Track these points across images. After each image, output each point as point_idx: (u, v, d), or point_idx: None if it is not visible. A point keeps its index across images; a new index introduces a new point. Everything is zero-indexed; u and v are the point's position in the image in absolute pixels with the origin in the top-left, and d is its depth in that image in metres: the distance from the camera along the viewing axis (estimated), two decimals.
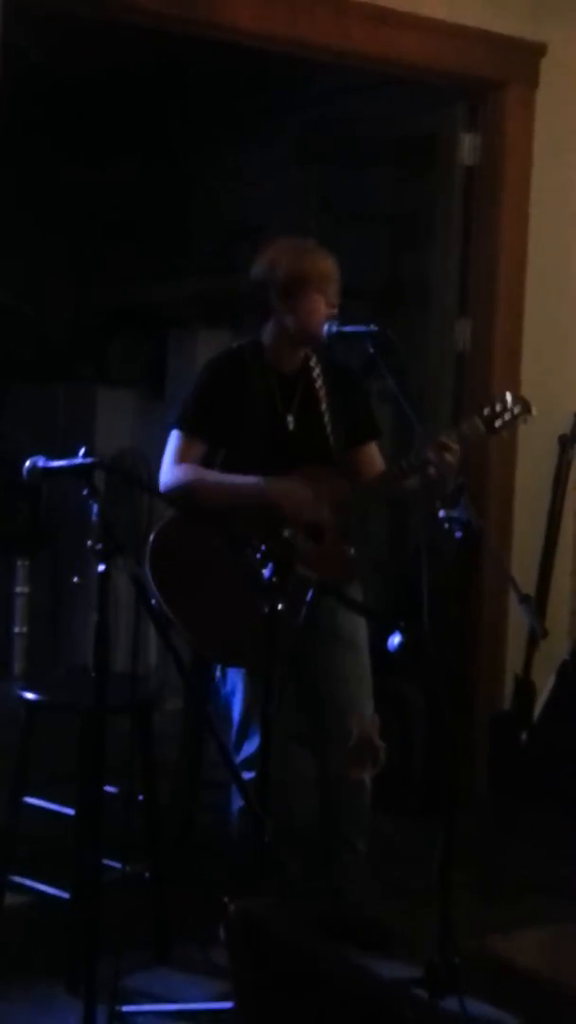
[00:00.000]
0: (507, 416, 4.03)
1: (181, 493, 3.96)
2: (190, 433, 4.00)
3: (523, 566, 5.04)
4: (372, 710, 4.08)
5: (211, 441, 4.01)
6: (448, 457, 3.88)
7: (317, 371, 4.08)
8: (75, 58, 6.13)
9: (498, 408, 4.03)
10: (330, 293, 3.98)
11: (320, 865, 4.07)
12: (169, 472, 3.99)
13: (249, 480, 3.94)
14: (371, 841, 4.12)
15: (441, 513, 3.56)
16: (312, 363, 4.09)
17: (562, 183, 5.36)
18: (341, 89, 5.75)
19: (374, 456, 4.18)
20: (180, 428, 4.01)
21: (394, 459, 4.13)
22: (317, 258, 4.01)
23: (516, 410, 4.05)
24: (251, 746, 3.90)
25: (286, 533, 3.87)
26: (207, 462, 4.02)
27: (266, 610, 3.40)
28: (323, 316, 3.95)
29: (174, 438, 4.01)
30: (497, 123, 5.28)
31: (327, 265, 4.01)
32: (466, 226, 5.39)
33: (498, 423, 4.02)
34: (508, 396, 4.07)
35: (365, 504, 4.18)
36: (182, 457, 3.98)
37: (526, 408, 4.07)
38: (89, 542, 3.21)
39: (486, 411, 4.03)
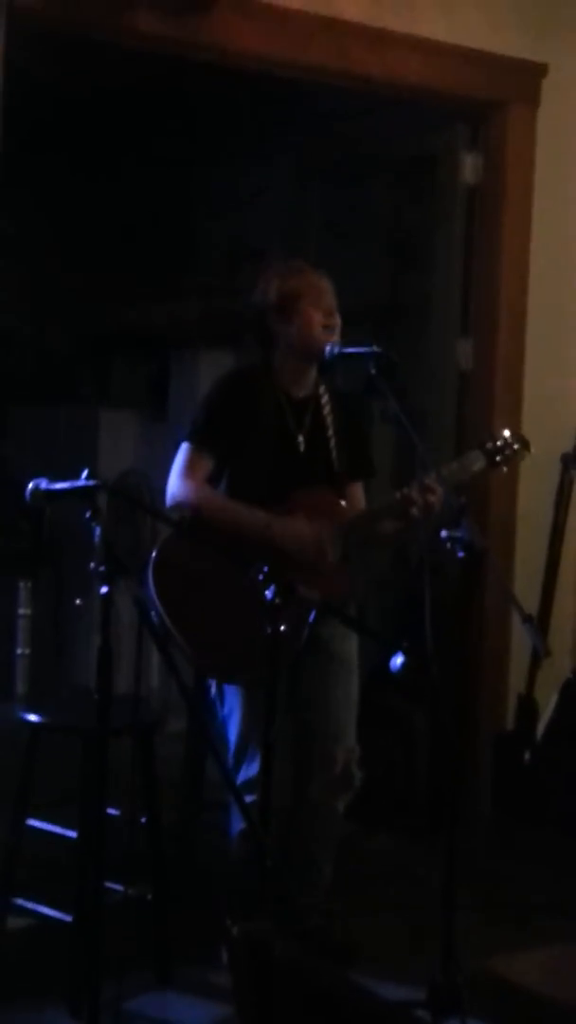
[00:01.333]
0: (507, 452, 4.06)
1: (187, 511, 3.97)
2: (200, 447, 4.00)
3: (526, 585, 5.04)
4: (354, 738, 4.08)
5: (220, 456, 4.01)
6: (431, 499, 3.89)
7: (325, 398, 4.10)
8: (77, 78, 6.14)
9: (499, 444, 4.05)
10: (324, 304, 3.99)
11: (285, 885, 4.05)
12: (177, 486, 3.99)
13: (257, 516, 3.93)
14: (372, 860, 4.11)
15: (444, 533, 3.56)
16: (321, 391, 4.11)
17: (564, 202, 5.37)
18: (342, 110, 5.76)
19: (358, 497, 4.19)
20: (190, 441, 4.01)
21: (393, 480, 4.14)
22: (304, 274, 4.05)
23: (516, 447, 4.08)
24: (250, 769, 3.89)
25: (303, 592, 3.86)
26: (215, 476, 4.03)
27: (268, 631, 3.39)
28: (320, 326, 3.97)
29: (184, 451, 4.01)
30: (498, 143, 5.30)
31: (315, 279, 4.04)
32: (467, 245, 5.40)
33: (498, 458, 4.06)
34: (507, 433, 4.10)
35: (367, 530, 4.18)
36: (191, 471, 3.98)
37: (525, 446, 4.10)
38: (92, 564, 3.20)
39: (488, 446, 4.05)
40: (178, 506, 3.98)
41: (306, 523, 3.95)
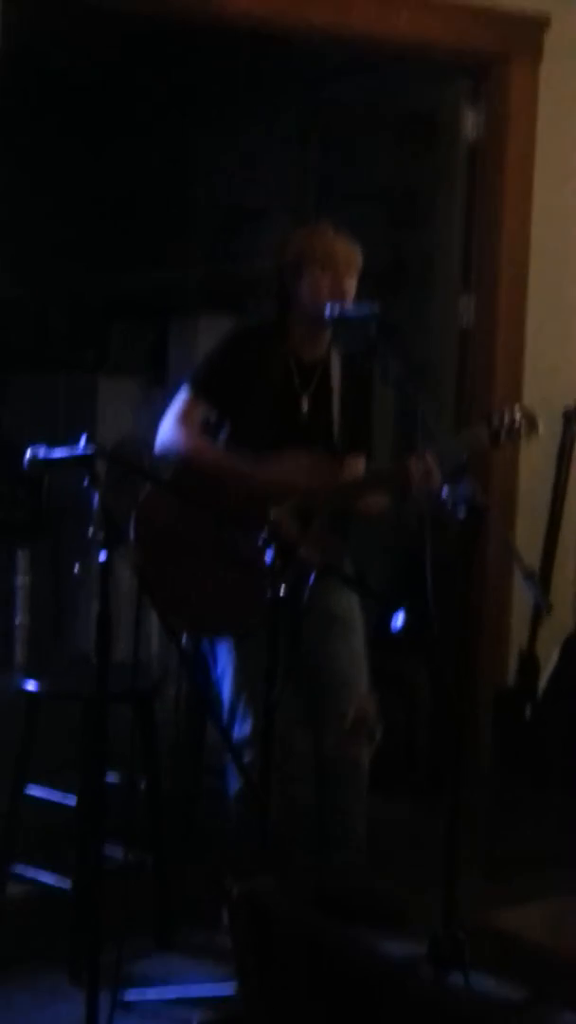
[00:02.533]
0: (512, 431, 4.02)
1: (175, 459, 3.92)
2: (198, 394, 3.98)
3: (528, 542, 5.00)
4: (368, 687, 4.05)
5: (217, 408, 3.97)
6: (431, 480, 3.85)
7: (336, 364, 4.08)
8: (75, 41, 6.09)
9: (506, 421, 4.01)
10: (337, 270, 3.95)
11: (318, 846, 4.04)
12: (170, 431, 3.96)
13: (244, 471, 3.90)
14: (374, 819, 4.09)
15: (445, 491, 3.53)
16: (332, 356, 4.08)
17: (566, 157, 5.31)
18: (341, 69, 5.71)
19: (358, 468, 4.16)
20: (190, 386, 3.99)
21: (394, 445, 4.12)
22: (325, 238, 4.02)
23: (522, 425, 4.02)
24: (244, 728, 3.87)
25: (272, 515, 3.82)
26: (212, 431, 3.98)
27: (270, 595, 3.36)
28: (326, 292, 3.91)
29: (181, 394, 4.00)
30: (500, 98, 5.23)
31: (334, 243, 4.00)
32: (469, 202, 5.35)
33: (503, 437, 4.01)
34: (517, 410, 4.05)
35: (345, 502, 4.13)
36: (186, 417, 3.96)
37: (532, 426, 4.05)
38: (90, 531, 3.19)
39: (494, 423, 4.01)
40: (167, 452, 3.95)
41: (297, 464, 3.89)
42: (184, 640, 3.96)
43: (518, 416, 4.02)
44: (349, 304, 3.94)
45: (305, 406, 4.03)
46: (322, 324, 3.99)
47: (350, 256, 4.00)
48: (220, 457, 3.96)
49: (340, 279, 3.96)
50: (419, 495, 3.84)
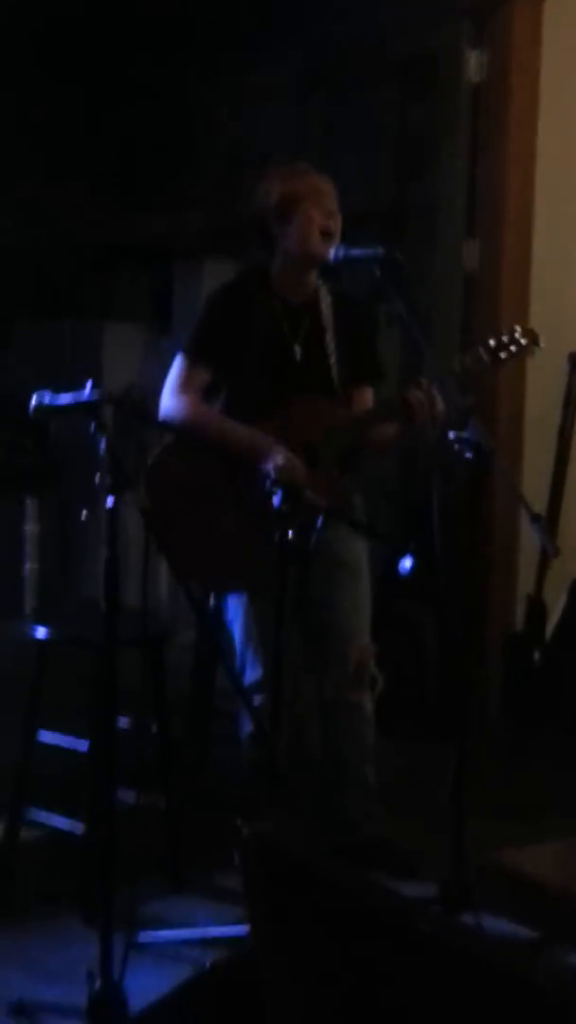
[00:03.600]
0: (513, 348, 3.99)
1: (179, 427, 3.94)
2: (195, 360, 3.98)
3: (534, 486, 5.00)
4: (369, 638, 4.07)
5: (216, 369, 3.98)
6: (436, 409, 3.85)
7: (327, 302, 4.06)
8: None
9: (504, 340, 3.99)
10: (324, 204, 3.95)
11: (327, 792, 4.06)
12: (171, 399, 3.97)
13: (244, 443, 3.89)
14: (382, 764, 4.11)
15: (451, 434, 3.53)
16: (321, 294, 4.04)
17: (570, 99, 5.28)
18: (343, 10, 5.66)
19: (367, 400, 4.16)
20: (185, 354, 3.99)
21: (399, 385, 4.10)
22: (306, 175, 4.01)
23: (523, 342, 4.00)
24: (255, 672, 3.90)
25: (281, 460, 3.81)
26: (212, 389, 3.99)
27: (278, 538, 3.37)
28: (319, 228, 3.91)
29: (178, 364, 3.99)
30: (503, 38, 5.21)
31: (316, 180, 3.99)
32: (473, 145, 5.32)
33: (503, 355, 3.99)
34: (517, 329, 4.03)
35: (361, 432, 4.13)
36: (185, 384, 3.96)
37: (533, 340, 4.02)
38: (97, 477, 3.18)
39: (492, 342, 3.99)
40: (169, 422, 3.95)
41: (293, 456, 3.89)
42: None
43: (517, 332, 4.00)
44: (347, 248, 3.91)
45: (298, 352, 4.01)
46: (313, 263, 3.97)
47: (334, 198, 3.99)
48: (220, 426, 3.95)
49: (330, 217, 3.95)
50: (424, 424, 3.82)
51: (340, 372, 4.05)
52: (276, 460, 3.81)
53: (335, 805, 4.06)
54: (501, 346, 3.99)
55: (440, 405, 3.84)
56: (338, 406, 4.04)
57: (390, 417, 4.00)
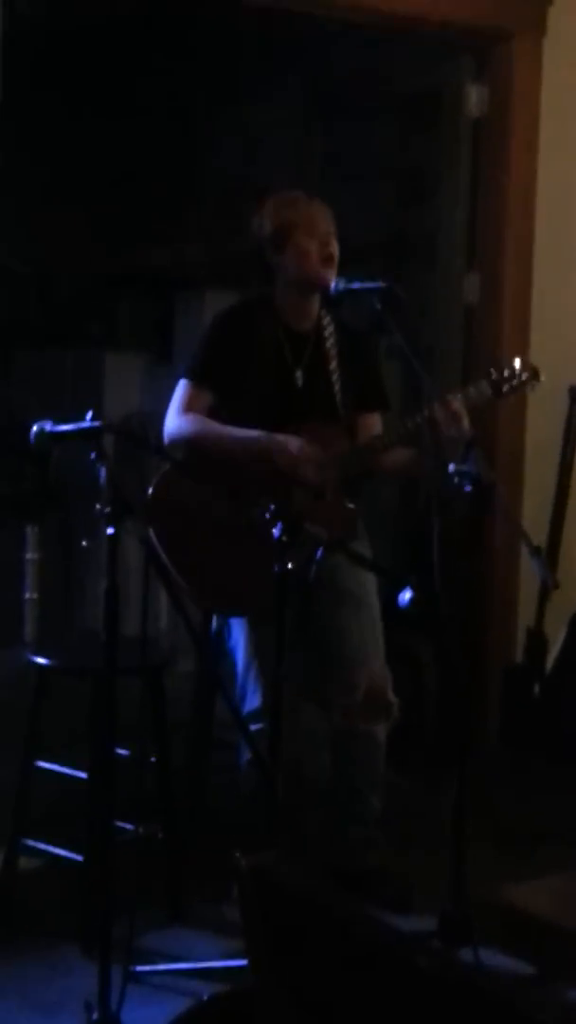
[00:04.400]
0: (514, 382, 4.01)
1: (185, 443, 3.95)
2: (198, 382, 3.99)
3: (534, 518, 5.02)
4: (382, 663, 4.06)
5: (218, 392, 3.99)
6: (460, 424, 3.83)
7: (329, 331, 4.07)
8: (78, 14, 6.08)
9: (506, 374, 4.00)
10: (318, 232, 3.96)
11: (333, 821, 4.06)
12: (174, 421, 3.98)
13: (251, 435, 3.92)
14: (384, 795, 4.11)
15: (451, 467, 3.54)
16: (325, 323, 4.07)
17: (570, 133, 5.31)
18: (346, 44, 5.70)
19: (375, 426, 4.16)
20: (188, 377, 4.01)
21: (401, 416, 4.10)
22: (299, 204, 4.02)
23: (524, 376, 4.02)
24: (254, 700, 3.90)
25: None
26: (214, 414, 4.00)
27: (277, 569, 3.37)
28: (316, 257, 3.93)
29: (181, 387, 4.00)
30: (504, 74, 5.24)
31: (311, 209, 4.00)
32: (474, 179, 5.35)
33: (505, 388, 4.00)
34: (517, 362, 4.05)
35: (369, 459, 4.15)
36: (188, 407, 3.97)
37: (534, 375, 4.04)
38: (98, 506, 3.19)
39: (494, 376, 4.00)
40: (174, 442, 3.97)
41: (302, 440, 3.91)
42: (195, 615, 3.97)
43: (518, 366, 4.01)
44: (347, 281, 3.93)
45: (300, 379, 4.02)
46: (316, 293, 3.99)
47: (329, 221, 4.00)
48: (222, 430, 3.96)
49: (326, 243, 3.96)
50: (450, 438, 3.80)
51: (344, 399, 4.06)
52: (291, 448, 3.82)
53: (338, 831, 4.05)
54: (502, 380, 4.00)
55: (465, 420, 3.83)
56: (342, 433, 4.05)
57: (415, 435, 3.97)
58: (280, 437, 3.91)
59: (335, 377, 4.06)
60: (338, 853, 4.03)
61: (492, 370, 4.03)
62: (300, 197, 4.06)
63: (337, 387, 4.06)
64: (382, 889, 3.95)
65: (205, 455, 3.94)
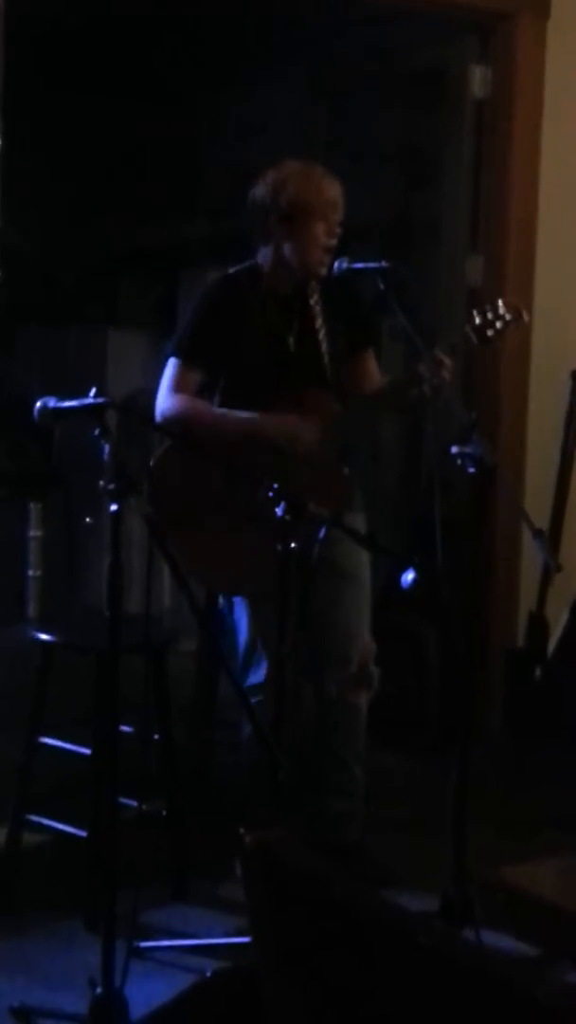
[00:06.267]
0: (499, 324, 3.98)
1: (176, 425, 3.93)
2: (187, 361, 3.96)
3: (536, 501, 5.02)
4: (369, 636, 4.08)
5: (209, 368, 3.97)
6: (444, 373, 3.85)
7: (312, 285, 4.02)
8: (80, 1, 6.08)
9: (489, 316, 3.97)
10: (332, 221, 3.93)
11: (314, 789, 4.05)
12: (165, 401, 3.95)
13: (246, 418, 3.90)
14: (385, 776, 4.13)
15: (454, 449, 3.55)
16: (309, 285, 4.02)
17: (574, 115, 5.30)
18: (349, 25, 5.69)
19: (370, 370, 4.14)
20: (177, 356, 3.98)
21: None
22: (323, 185, 3.95)
23: (508, 317, 3.99)
24: (257, 675, 3.92)
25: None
26: (208, 388, 3.99)
27: (280, 549, 3.38)
28: (322, 246, 3.91)
29: (171, 366, 3.97)
30: (508, 55, 5.23)
31: (333, 192, 3.94)
32: (477, 161, 5.34)
33: (490, 332, 3.98)
34: (500, 303, 4.02)
35: (365, 420, 4.14)
36: (179, 386, 3.94)
37: (518, 314, 4.01)
38: (101, 482, 3.19)
39: (477, 320, 3.97)
40: (166, 422, 3.94)
41: (297, 417, 3.91)
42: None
43: (501, 307, 3.99)
44: (351, 261, 3.92)
45: (292, 344, 3.99)
46: (308, 276, 3.96)
47: (340, 199, 3.95)
48: (216, 413, 3.95)
49: (334, 227, 3.94)
50: (435, 387, 3.80)
51: (333, 358, 4.02)
52: (286, 429, 3.83)
53: (321, 803, 4.04)
54: (487, 323, 3.97)
55: (452, 371, 3.82)
56: (331, 398, 4.01)
57: (404, 391, 3.97)
58: (278, 421, 3.90)
59: (322, 335, 4.01)
60: (319, 824, 4.01)
61: (474, 312, 3.99)
62: (322, 175, 3.96)
63: (325, 346, 4.01)
64: (359, 866, 3.95)
65: (199, 436, 3.93)
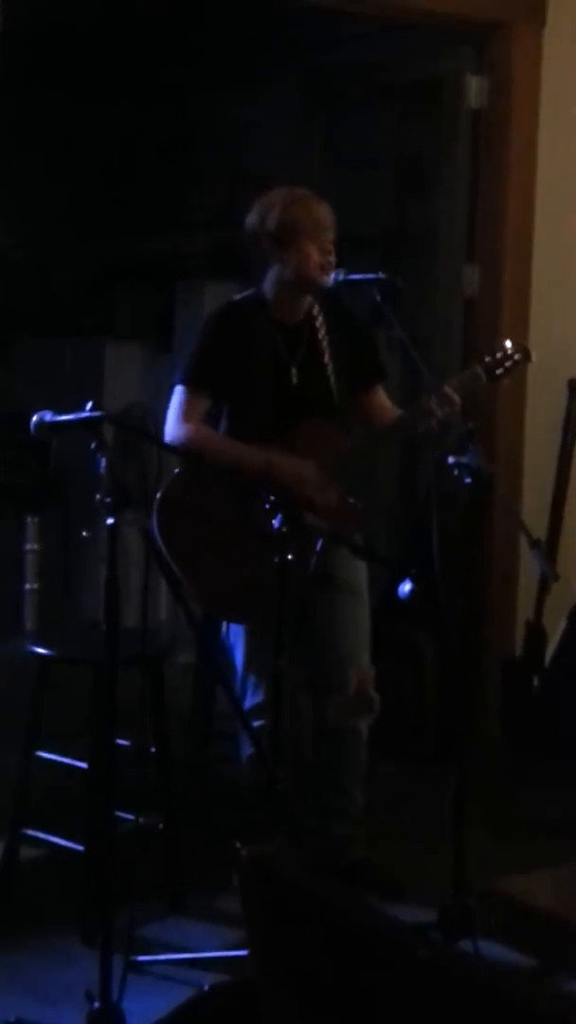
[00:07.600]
0: (507, 364, 4.03)
1: (188, 455, 3.94)
2: (194, 389, 3.97)
3: (534, 511, 5.01)
4: (368, 661, 4.08)
5: (215, 395, 3.99)
6: (450, 410, 3.86)
7: (320, 320, 4.05)
8: (76, 5, 6.08)
9: (498, 356, 4.02)
10: (323, 240, 3.93)
11: (314, 813, 4.05)
12: (174, 430, 3.95)
13: (257, 456, 3.88)
14: (382, 786, 4.12)
15: (451, 460, 3.55)
16: (316, 312, 4.05)
17: (570, 124, 5.30)
18: (346, 35, 5.69)
19: (382, 401, 4.16)
20: (185, 384, 3.98)
21: (403, 405, 4.11)
22: (308, 205, 3.96)
23: (516, 357, 4.04)
24: (256, 696, 3.91)
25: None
26: (214, 414, 4.00)
27: (276, 560, 3.38)
28: (317, 262, 3.91)
29: (178, 394, 3.97)
30: (504, 65, 5.23)
31: (318, 212, 3.96)
32: (473, 170, 5.34)
33: (499, 371, 4.03)
34: (508, 344, 4.07)
35: (371, 454, 4.15)
36: (187, 414, 3.95)
37: (525, 355, 4.07)
38: (98, 496, 3.19)
39: (487, 360, 4.02)
40: (178, 451, 3.96)
41: (306, 462, 3.91)
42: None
43: (509, 348, 4.03)
44: (347, 272, 3.92)
45: (295, 376, 4.00)
46: (307, 291, 3.97)
47: (331, 220, 3.97)
48: (228, 446, 3.95)
49: (328, 250, 3.94)
50: (443, 422, 3.81)
51: (340, 390, 4.05)
52: (297, 472, 3.83)
53: (322, 827, 4.05)
54: (496, 363, 4.02)
55: (458, 410, 3.85)
56: (340, 429, 4.04)
57: (415, 424, 3.97)
58: (287, 463, 3.88)
59: (329, 370, 4.04)
60: (320, 847, 4.01)
61: (486, 355, 4.05)
62: (310, 196, 4.00)
63: (332, 380, 4.04)
64: (369, 880, 3.95)
65: (208, 465, 3.93)
